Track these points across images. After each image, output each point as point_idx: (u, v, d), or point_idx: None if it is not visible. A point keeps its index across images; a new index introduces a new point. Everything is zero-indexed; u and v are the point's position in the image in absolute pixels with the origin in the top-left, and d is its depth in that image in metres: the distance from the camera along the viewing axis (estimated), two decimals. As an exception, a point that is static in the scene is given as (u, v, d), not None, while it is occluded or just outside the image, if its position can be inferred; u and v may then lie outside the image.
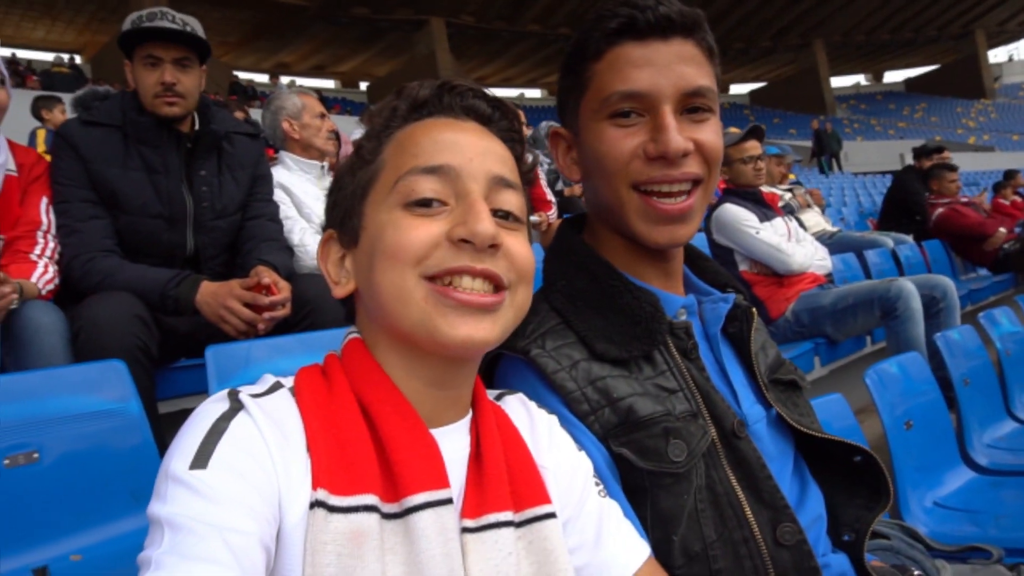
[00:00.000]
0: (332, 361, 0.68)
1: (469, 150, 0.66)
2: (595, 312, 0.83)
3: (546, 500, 0.66)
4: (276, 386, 0.65)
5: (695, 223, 0.84)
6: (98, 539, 1.33)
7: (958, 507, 1.75)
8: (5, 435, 1.29)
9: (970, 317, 3.34)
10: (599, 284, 0.85)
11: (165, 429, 1.75)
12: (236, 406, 0.60)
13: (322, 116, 2.62)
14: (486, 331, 0.63)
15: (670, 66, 0.80)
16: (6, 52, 18.67)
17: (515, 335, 0.83)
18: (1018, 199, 8.03)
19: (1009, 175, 8.48)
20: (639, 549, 0.72)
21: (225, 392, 0.62)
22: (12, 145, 1.89)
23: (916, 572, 1.07)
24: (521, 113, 0.77)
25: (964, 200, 5.31)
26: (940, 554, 1.19)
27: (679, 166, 0.80)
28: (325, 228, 0.74)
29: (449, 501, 0.60)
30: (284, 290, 1.81)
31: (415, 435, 0.62)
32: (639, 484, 0.77)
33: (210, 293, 1.79)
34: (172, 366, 1.99)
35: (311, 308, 1.90)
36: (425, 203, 0.64)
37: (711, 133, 0.82)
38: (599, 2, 0.88)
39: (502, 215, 0.66)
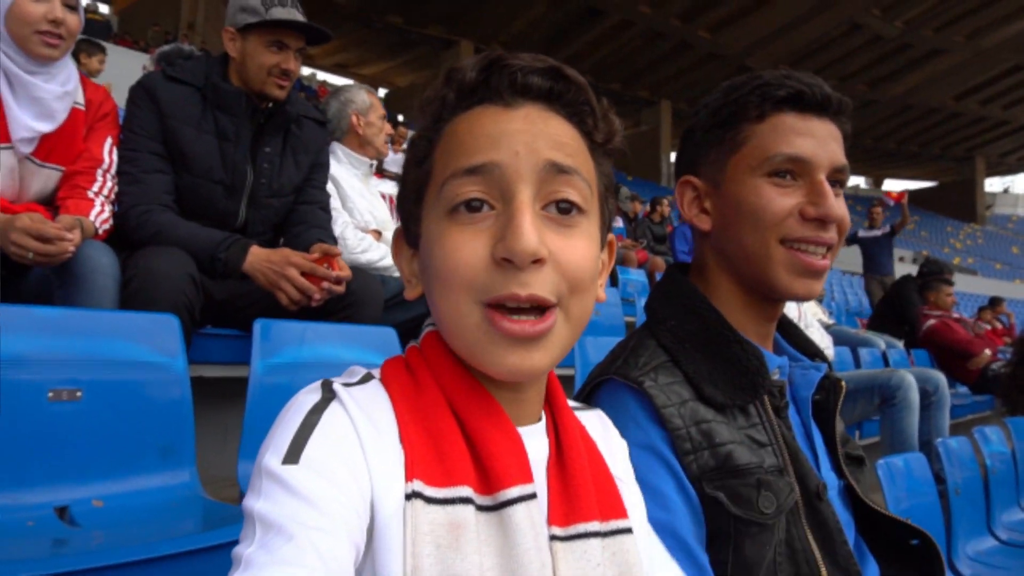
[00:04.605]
0: (414, 354, 0.68)
1: (516, 142, 0.60)
2: (703, 356, 0.86)
3: (624, 514, 0.66)
4: (367, 377, 0.65)
5: (824, 282, 0.90)
6: (122, 489, 1.32)
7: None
8: (53, 368, 1.29)
9: (950, 431, 3.43)
10: (709, 330, 0.88)
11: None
12: (328, 396, 0.60)
13: (383, 119, 2.67)
14: (535, 361, 0.60)
15: (826, 141, 0.88)
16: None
17: (627, 365, 0.86)
18: (999, 326, 8.33)
19: (994, 302, 8.80)
20: None
21: (319, 383, 0.62)
22: (83, 80, 1.89)
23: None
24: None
25: (956, 316, 5.46)
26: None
27: (828, 231, 0.87)
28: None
29: (535, 496, 0.60)
30: (345, 269, 1.86)
31: (503, 431, 0.62)
32: (724, 529, 0.80)
33: (263, 259, 1.80)
34: (198, 332, 1.98)
35: (351, 300, 1.92)
36: (469, 207, 0.59)
37: (845, 208, 0.90)
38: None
39: (564, 207, 0.61)
